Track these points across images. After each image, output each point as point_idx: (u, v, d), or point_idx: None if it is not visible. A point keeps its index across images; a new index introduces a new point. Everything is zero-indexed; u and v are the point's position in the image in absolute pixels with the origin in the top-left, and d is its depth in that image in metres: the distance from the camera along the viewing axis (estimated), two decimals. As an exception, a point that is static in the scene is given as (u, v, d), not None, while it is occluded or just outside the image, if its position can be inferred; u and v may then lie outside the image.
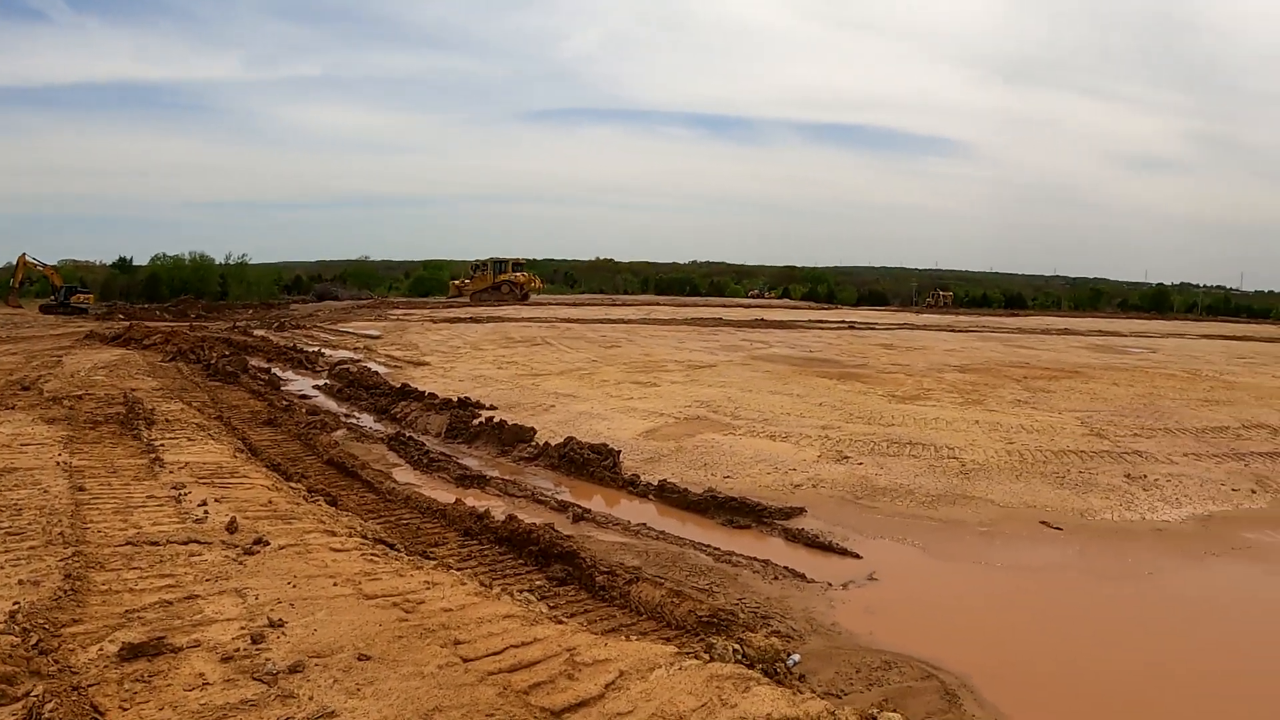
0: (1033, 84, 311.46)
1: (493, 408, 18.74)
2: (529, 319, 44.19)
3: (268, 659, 5.84)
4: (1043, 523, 12.93)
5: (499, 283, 72.79)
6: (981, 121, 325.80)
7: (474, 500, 12.55)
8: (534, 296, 75.11)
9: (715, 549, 10.91)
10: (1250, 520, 13.77)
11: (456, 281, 77.58)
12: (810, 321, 53.09)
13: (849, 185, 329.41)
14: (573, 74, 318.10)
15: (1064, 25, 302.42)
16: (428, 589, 7.37)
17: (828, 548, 11.36)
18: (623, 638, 6.98)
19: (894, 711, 6.46)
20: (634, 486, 13.63)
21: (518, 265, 75.46)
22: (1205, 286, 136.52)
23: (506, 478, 14.07)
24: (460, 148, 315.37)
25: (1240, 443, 19.41)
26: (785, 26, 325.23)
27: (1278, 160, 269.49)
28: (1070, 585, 10.77)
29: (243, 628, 6.34)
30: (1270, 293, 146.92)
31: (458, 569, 8.93)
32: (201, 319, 50.01)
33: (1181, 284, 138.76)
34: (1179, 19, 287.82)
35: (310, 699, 5.38)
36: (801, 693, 6.24)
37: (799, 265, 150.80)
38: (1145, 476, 15.68)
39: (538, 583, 9.31)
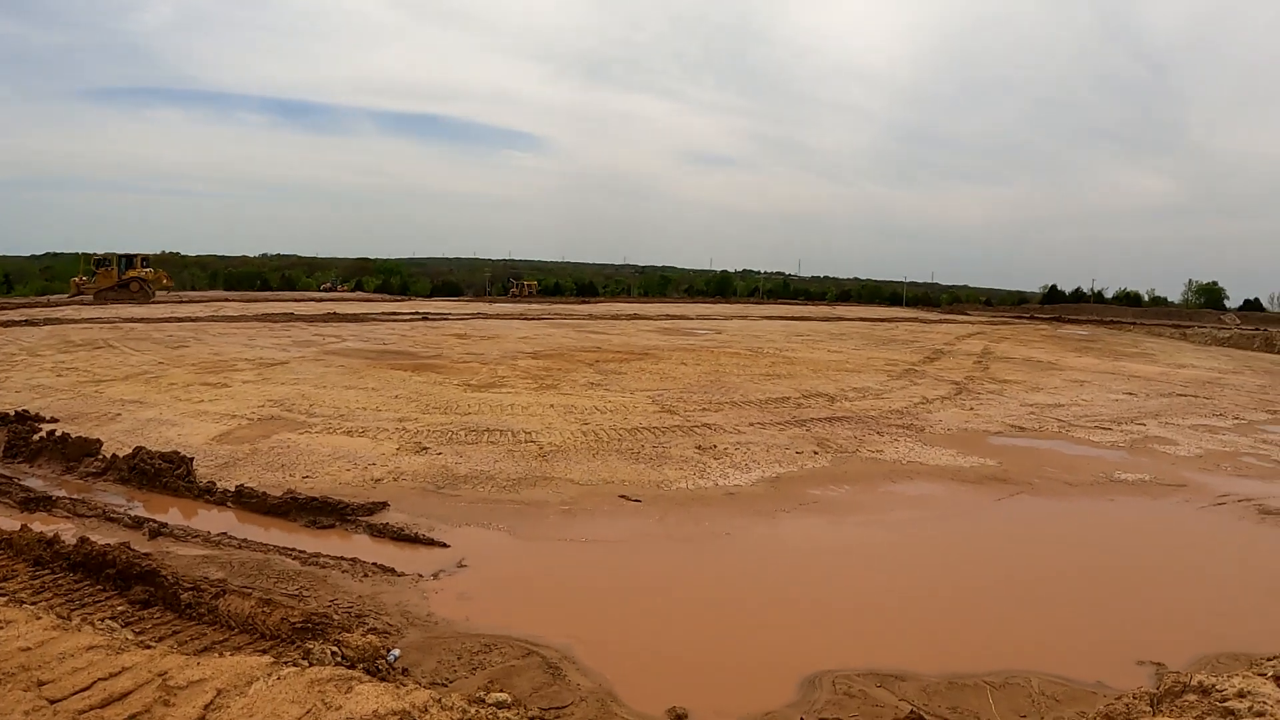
0: (609, 82, 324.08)
1: (54, 420, 17.27)
2: (90, 319, 40.97)
3: None
4: (622, 496, 13.62)
5: (126, 280, 66.43)
6: (558, 116, 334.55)
7: (42, 525, 11.48)
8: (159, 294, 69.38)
9: (301, 552, 10.64)
10: (814, 478, 15.19)
11: (77, 279, 69.86)
12: (384, 314, 52.46)
13: (424, 176, 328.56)
14: (142, 49, 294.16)
15: (642, 27, 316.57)
16: (0, 629, 6.78)
17: (415, 539, 11.39)
18: (216, 655, 6.69)
19: (501, 691, 6.62)
20: (210, 494, 13.01)
21: (146, 261, 69.40)
22: (766, 273, 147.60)
23: (75, 497, 13.01)
24: (9, 126, 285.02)
25: (801, 411, 21.24)
26: (366, 11, 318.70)
27: (832, 160, 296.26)
28: (652, 551, 11.47)
29: None
30: (824, 277, 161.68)
31: (31, 603, 8.20)
32: None
33: (744, 271, 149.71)
34: (753, 31, 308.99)
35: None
36: (405, 685, 6.26)
37: (373, 257, 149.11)
38: (715, 447, 16.85)
39: (120, 608, 8.72)
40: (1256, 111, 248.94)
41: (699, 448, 16.75)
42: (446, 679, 7.45)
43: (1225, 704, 5.95)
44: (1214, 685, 6.31)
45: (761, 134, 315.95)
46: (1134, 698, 7.09)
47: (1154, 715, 6.32)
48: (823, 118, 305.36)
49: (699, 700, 7.47)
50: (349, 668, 6.58)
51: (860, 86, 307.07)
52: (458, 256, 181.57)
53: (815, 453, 16.87)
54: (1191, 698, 6.35)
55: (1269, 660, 7.80)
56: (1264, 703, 5.81)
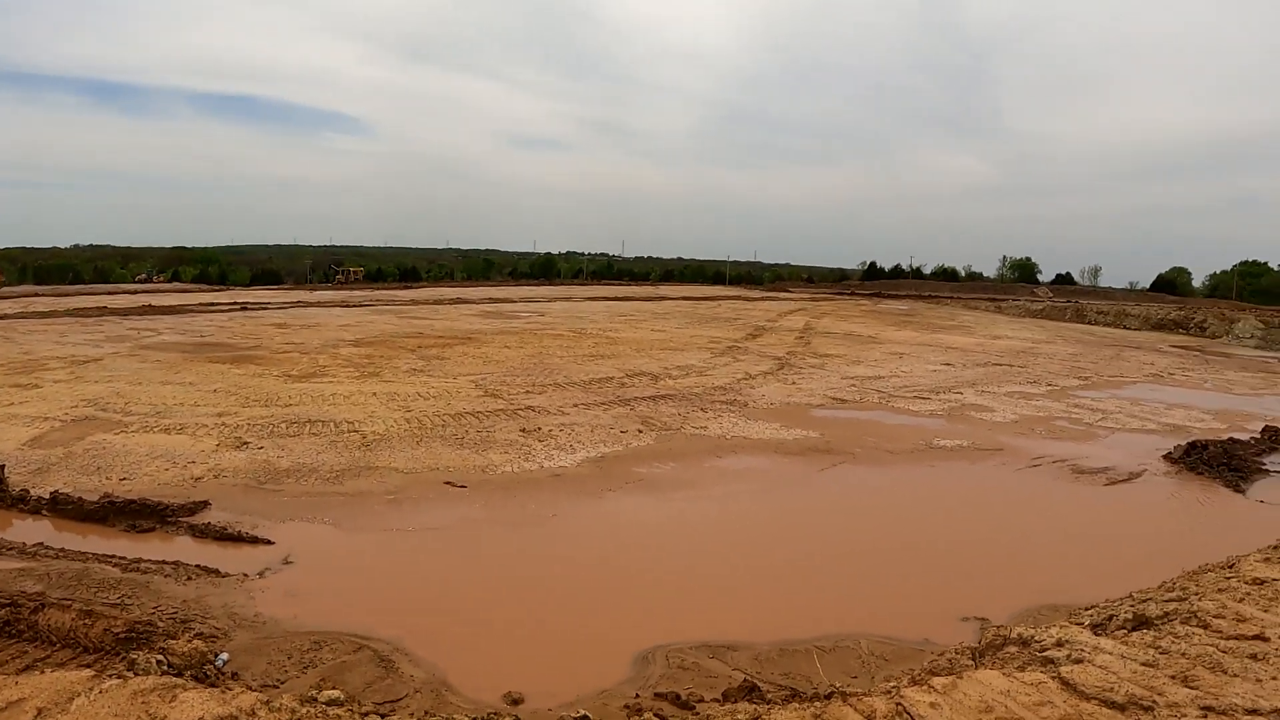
0: (432, 62, 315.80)
1: None
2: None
3: None
4: (447, 483, 13.59)
5: None
6: (380, 97, 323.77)
7: None
8: None
9: (121, 558, 10.27)
10: (639, 456, 15.43)
11: None
12: (201, 305, 50.56)
13: (243, 160, 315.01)
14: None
15: (466, 7, 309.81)
16: None
17: (238, 538, 11.13)
18: (38, 672, 6.47)
19: (333, 689, 6.57)
20: (24, 503, 12.43)
21: None
22: (590, 254, 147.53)
23: (-124, 515, 12.31)
24: None
25: (624, 390, 21.45)
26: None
27: (658, 141, 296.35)
28: (480, 537, 11.47)
29: None
30: (649, 257, 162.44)
31: None
32: None
33: (568, 252, 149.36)
34: (578, 11, 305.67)
35: None
36: (232, 689, 6.17)
37: (190, 246, 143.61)
38: (540, 429, 16.93)
39: (-63, 631, 8.32)
40: (1066, 99, 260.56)
41: (523, 430, 16.79)
42: (277, 680, 7.34)
43: (1045, 653, 6.36)
44: (1033, 636, 6.73)
45: (587, 115, 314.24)
46: (957, 652, 7.46)
47: (977, 668, 6.62)
48: (648, 99, 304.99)
49: (534, 683, 7.54)
50: (175, 675, 6.46)
51: (686, 68, 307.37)
52: (278, 243, 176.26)
53: (640, 431, 17.11)
54: (1012, 649, 6.77)
55: (1086, 610, 8.30)
56: (1081, 649, 6.23)
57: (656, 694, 7.31)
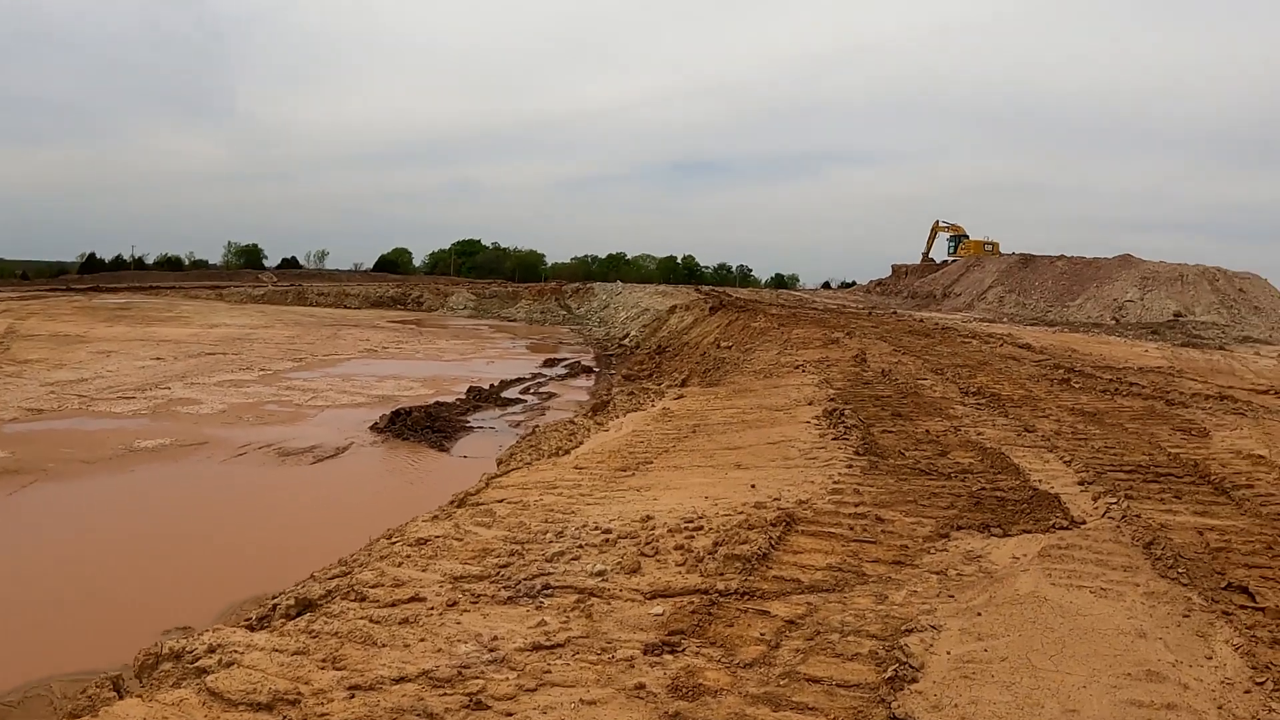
0: None
1: None
2: None
3: None
4: None
5: None
6: None
7: None
8: None
9: None
10: None
11: None
12: None
13: None
14: None
15: None
16: None
17: None
18: None
19: None
20: None
21: None
22: None
23: None
24: None
25: None
26: None
27: None
28: None
29: None
30: None
31: None
32: None
33: None
34: None
35: None
36: None
37: None
38: None
39: None
40: (303, 86, 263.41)
41: None
42: None
43: (197, 663, 5.77)
44: (185, 648, 6.11)
45: None
46: (97, 686, 6.55)
47: (121, 698, 5.86)
48: None
49: None
50: None
51: None
52: None
53: None
54: (168, 666, 6.09)
55: (272, 598, 7.76)
56: (234, 651, 5.72)
57: None
